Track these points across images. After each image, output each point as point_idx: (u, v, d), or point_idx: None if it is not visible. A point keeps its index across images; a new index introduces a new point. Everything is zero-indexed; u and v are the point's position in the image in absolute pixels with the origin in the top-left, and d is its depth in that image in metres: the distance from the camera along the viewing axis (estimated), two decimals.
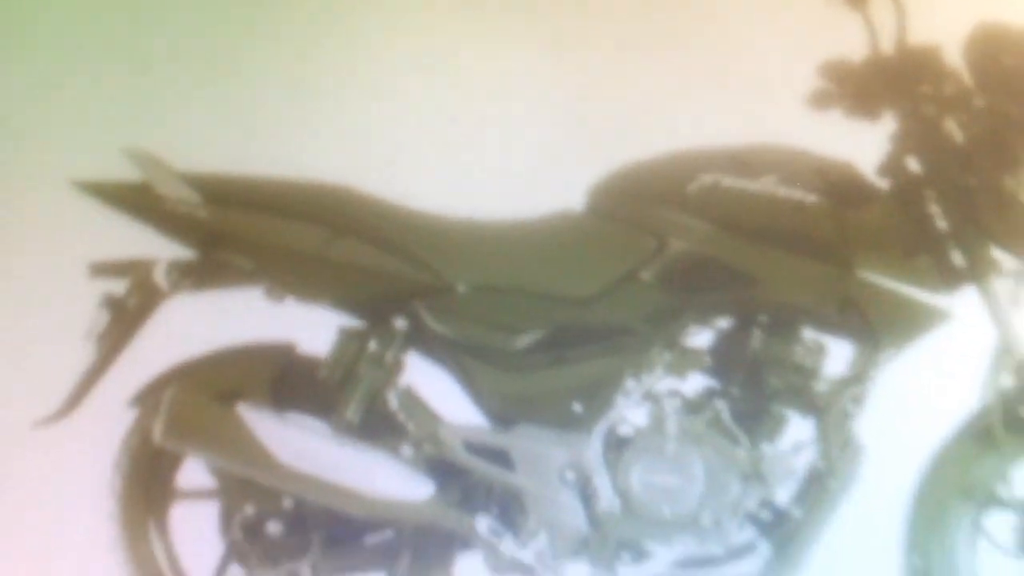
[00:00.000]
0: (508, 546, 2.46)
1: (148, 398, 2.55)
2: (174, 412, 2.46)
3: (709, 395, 2.46)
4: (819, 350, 2.45)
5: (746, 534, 2.43)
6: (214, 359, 2.58)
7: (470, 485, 2.49)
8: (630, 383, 2.45)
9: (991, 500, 2.44)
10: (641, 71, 2.93)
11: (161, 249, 2.51)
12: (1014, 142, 2.36)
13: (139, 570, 2.59)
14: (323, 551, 2.52)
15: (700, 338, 2.49)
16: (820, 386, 2.44)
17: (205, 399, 2.49)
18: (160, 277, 2.51)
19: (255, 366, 2.56)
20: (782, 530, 2.42)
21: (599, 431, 2.45)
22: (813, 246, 2.40)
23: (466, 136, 2.98)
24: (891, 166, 2.42)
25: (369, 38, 3.07)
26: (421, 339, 2.52)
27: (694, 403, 2.45)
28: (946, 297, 2.42)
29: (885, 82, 2.38)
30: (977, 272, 2.39)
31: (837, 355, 2.46)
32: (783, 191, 2.40)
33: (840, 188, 2.41)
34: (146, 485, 2.58)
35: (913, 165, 2.41)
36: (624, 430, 2.47)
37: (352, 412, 2.48)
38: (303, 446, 2.44)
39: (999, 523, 2.44)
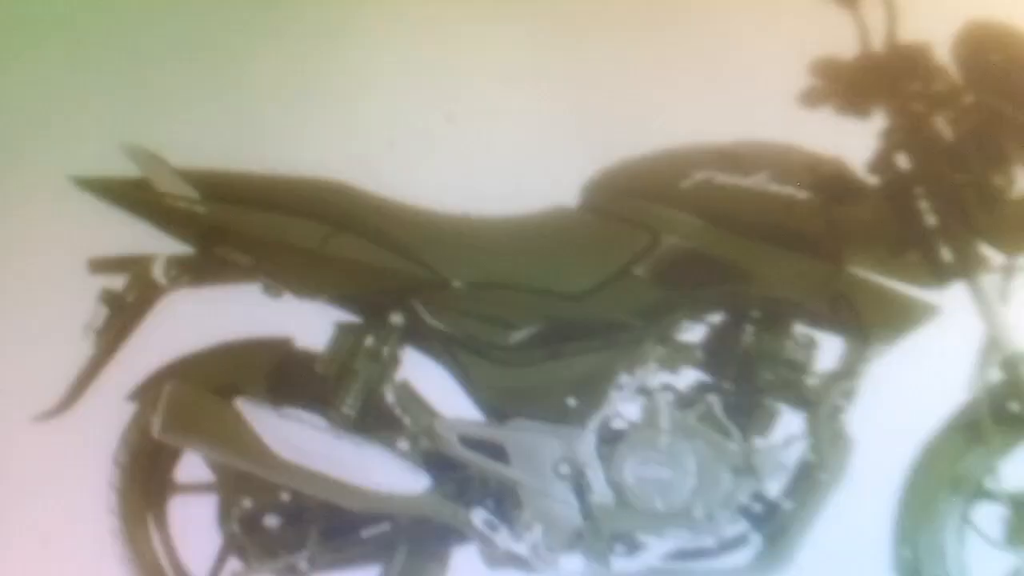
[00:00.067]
0: (503, 539, 2.47)
1: (147, 393, 2.55)
2: (172, 406, 2.46)
3: (701, 389, 2.47)
4: (810, 345, 2.46)
5: (738, 526, 2.44)
6: (212, 354, 2.58)
7: (465, 479, 2.50)
8: (623, 377, 2.47)
9: (979, 493, 2.46)
10: (634, 69, 2.93)
11: (160, 245, 2.52)
12: (1003, 139, 2.37)
13: (138, 563, 2.60)
14: (320, 544, 2.52)
15: (693, 333, 2.50)
16: (811, 380, 2.45)
17: (203, 393, 2.49)
18: (159, 273, 2.51)
19: (253, 361, 2.57)
20: (773, 522, 2.43)
21: (593, 425, 2.46)
22: (804, 242, 2.42)
23: (461, 133, 2.97)
24: (881, 163, 2.43)
25: (364, 34, 3.07)
26: (417, 334, 2.53)
27: (687, 397, 2.47)
28: (935, 292, 2.42)
29: (875, 79, 2.39)
30: (966, 268, 2.40)
31: (828, 350, 2.47)
32: (775, 187, 2.41)
33: (831, 185, 2.42)
34: (145, 479, 2.59)
35: (903, 162, 2.41)
36: (617, 424, 2.49)
37: (349, 406, 2.49)
38: (300, 440, 2.44)
39: (987, 516, 2.45)
